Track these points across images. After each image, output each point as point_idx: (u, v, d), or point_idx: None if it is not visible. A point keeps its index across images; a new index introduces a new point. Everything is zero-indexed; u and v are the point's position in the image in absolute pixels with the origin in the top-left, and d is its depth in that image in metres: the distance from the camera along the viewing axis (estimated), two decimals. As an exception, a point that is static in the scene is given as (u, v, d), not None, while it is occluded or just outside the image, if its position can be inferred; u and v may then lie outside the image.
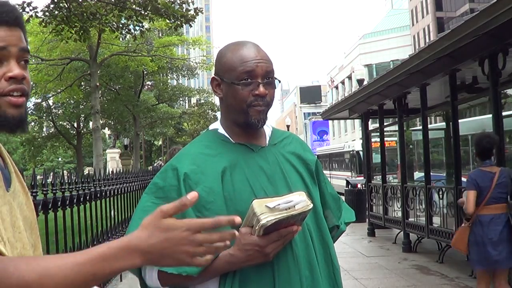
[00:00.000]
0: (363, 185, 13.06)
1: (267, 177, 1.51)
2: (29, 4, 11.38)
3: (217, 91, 1.55)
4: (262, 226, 1.32)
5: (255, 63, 1.48)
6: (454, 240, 4.86)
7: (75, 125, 33.64)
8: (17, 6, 1.17)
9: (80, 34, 11.86)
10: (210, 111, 38.58)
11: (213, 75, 1.57)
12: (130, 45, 24.30)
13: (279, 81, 1.56)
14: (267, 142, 1.60)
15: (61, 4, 11.46)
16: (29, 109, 30.94)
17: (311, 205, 1.40)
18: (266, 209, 1.33)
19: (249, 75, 1.48)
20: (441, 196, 7.82)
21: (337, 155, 29.12)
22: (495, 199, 4.38)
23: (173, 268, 1.36)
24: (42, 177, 4.17)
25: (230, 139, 1.55)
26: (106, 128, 39.16)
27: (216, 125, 1.61)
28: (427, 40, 36.08)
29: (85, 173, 5.15)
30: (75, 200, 3.80)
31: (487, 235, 4.36)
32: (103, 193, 4.74)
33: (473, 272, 6.70)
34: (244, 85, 1.48)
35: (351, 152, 25.15)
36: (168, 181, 1.47)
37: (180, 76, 32.51)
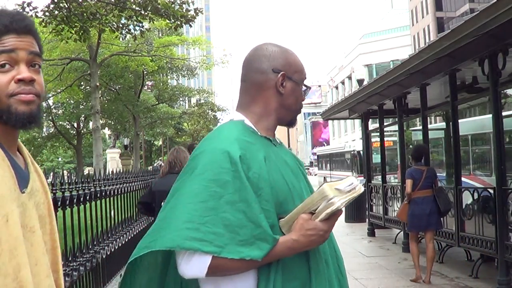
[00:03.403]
0: (364, 185, 13.06)
1: (292, 171, 1.57)
2: (29, 4, 11.37)
3: (281, 86, 1.56)
4: (336, 208, 1.38)
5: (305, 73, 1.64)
6: (398, 214, 7.27)
7: (75, 125, 33.62)
8: (16, 6, 1.23)
9: (80, 34, 11.84)
10: (210, 111, 38.55)
11: (281, 70, 1.55)
12: (130, 45, 24.27)
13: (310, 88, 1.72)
14: (278, 141, 1.67)
15: (61, 4, 11.45)
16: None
17: (363, 188, 1.50)
18: (336, 192, 1.39)
19: (303, 81, 1.62)
20: (441, 196, 7.81)
21: (338, 155, 29.08)
22: (424, 186, 6.55)
23: (233, 253, 1.34)
24: (42, 177, 4.17)
25: (257, 131, 1.56)
26: (106, 128, 39.11)
27: (240, 117, 1.58)
28: (427, 40, 36.06)
29: (85, 173, 5.15)
30: (75, 200, 3.81)
31: (421, 209, 6.51)
32: (103, 193, 4.74)
33: (473, 272, 6.72)
34: (305, 90, 1.62)
35: (352, 152, 25.11)
36: (219, 164, 1.40)
37: (180, 76, 32.46)
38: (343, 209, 1.54)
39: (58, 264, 1.30)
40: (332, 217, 1.41)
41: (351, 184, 1.42)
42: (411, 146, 16.26)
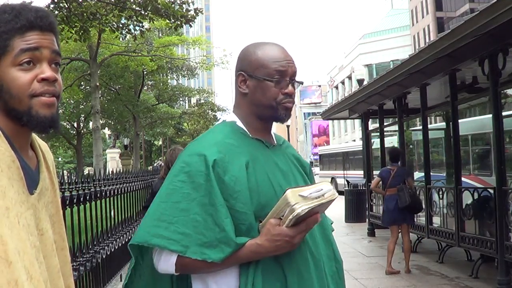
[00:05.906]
0: (364, 185, 13.04)
1: (282, 174, 1.57)
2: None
3: (242, 86, 1.58)
4: (297, 215, 1.36)
5: (287, 63, 1.56)
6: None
7: (75, 125, 33.62)
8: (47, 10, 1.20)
9: (80, 34, 11.85)
10: (210, 111, 38.55)
11: (239, 71, 1.59)
12: (130, 45, 24.29)
13: (302, 83, 1.64)
14: (275, 142, 1.67)
15: (61, 4, 11.45)
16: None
17: (337, 194, 1.47)
18: (300, 198, 1.37)
19: (280, 74, 1.54)
20: (441, 196, 7.81)
21: (356, 153, 27.16)
22: (392, 185, 7.13)
23: (197, 254, 1.39)
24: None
25: (248, 133, 1.58)
26: (106, 128, 39.13)
27: (233, 118, 1.61)
28: (427, 40, 36.03)
29: (85, 173, 5.15)
30: (75, 200, 3.81)
31: (387, 206, 7.20)
32: (103, 193, 4.74)
33: (473, 272, 6.71)
34: (277, 82, 1.54)
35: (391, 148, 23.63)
36: (195, 167, 1.45)
37: (180, 76, 32.47)
38: (323, 214, 1.57)
39: (67, 264, 1.29)
40: (301, 223, 1.40)
41: (320, 190, 1.41)
42: (411, 146, 16.32)
